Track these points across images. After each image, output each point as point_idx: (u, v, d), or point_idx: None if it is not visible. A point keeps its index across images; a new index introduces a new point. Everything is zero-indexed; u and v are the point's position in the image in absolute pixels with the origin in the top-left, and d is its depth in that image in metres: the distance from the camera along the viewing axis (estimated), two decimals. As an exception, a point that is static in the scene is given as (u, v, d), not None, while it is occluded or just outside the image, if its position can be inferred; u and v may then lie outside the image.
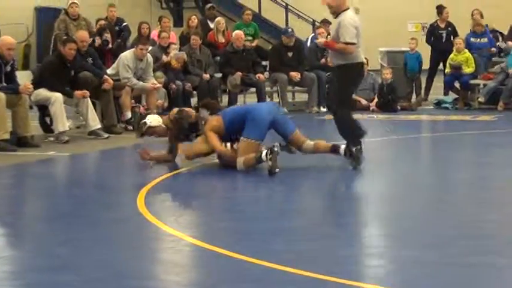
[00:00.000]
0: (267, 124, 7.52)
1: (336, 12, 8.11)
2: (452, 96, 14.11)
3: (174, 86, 12.03)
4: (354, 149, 7.57)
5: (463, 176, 7.44)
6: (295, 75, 13.13)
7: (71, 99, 10.17)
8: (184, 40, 13.85)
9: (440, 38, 14.78)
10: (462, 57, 13.68)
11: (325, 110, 13.15)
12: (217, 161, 7.81)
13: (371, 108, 13.35)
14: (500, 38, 14.66)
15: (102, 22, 12.69)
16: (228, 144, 7.77)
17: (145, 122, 7.95)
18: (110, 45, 12.07)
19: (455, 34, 14.74)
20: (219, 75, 13.33)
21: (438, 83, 14.85)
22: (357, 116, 12.63)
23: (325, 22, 14.36)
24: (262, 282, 4.11)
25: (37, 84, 9.96)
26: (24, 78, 10.43)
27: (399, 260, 4.51)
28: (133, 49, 11.49)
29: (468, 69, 13.63)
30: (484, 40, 14.10)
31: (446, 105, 13.72)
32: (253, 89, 13.30)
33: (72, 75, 10.29)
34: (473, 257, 4.47)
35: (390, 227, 5.46)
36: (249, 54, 13.43)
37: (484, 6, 15.48)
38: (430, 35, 15.04)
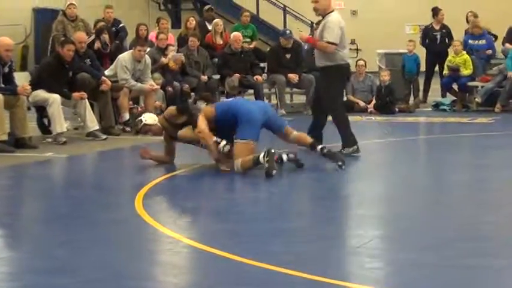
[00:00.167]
0: (260, 124, 7.56)
1: (322, 14, 8.29)
2: (450, 98, 14.13)
3: (170, 89, 12.02)
4: (343, 150, 7.80)
5: (460, 178, 7.44)
6: (293, 77, 13.13)
7: (68, 100, 10.17)
8: (182, 42, 13.85)
9: (434, 40, 14.81)
10: (460, 59, 13.70)
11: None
12: (215, 162, 7.81)
13: (369, 110, 13.36)
14: (493, 40, 14.67)
15: (102, 23, 12.68)
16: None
17: (141, 120, 8.07)
18: (109, 50, 12.05)
19: (450, 36, 14.77)
20: (217, 76, 13.33)
21: (435, 85, 14.88)
22: (355, 117, 12.78)
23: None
24: (261, 284, 4.11)
25: (35, 85, 9.95)
26: (22, 79, 10.43)
27: (398, 262, 4.51)
28: (131, 50, 11.50)
29: (466, 71, 13.64)
30: (482, 42, 14.11)
31: (444, 107, 13.73)
32: (251, 91, 13.30)
33: (70, 76, 10.29)
34: (471, 259, 4.47)
35: (388, 228, 5.46)
36: (247, 56, 13.43)
37: (479, 8, 15.49)
38: (424, 37, 15.07)
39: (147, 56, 11.52)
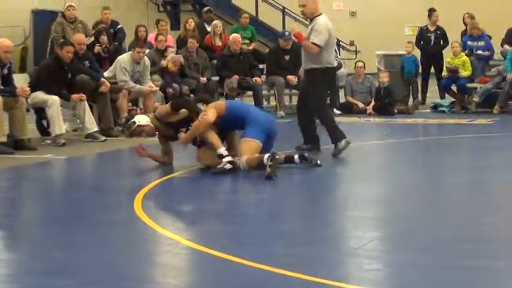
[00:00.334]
0: (266, 129, 7.63)
1: (310, 18, 8.41)
2: (449, 99, 14.14)
3: (171, 90, 12.03)
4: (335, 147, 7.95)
5: (459, 179, 7.44)
6: (292, 78, 13.13)
7: (68, 102, 10.17)
8: (181, 43, 13.84)
9: (428, 41, 14.82)
10: (459, 61, 13.70)
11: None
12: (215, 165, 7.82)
13: (368, 112, 13.36)
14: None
15: (102, 26, 12.68)
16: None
17: (134, 121, 8.01)
18: (108, 53, 12.06)
19: (445, 38, 14.78)
20: (216, 78, 13.33)
21: (433, 86, 14.89)
22: (354, 119, 12.78)
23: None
24: (260, 286, 4.11)
25: (34, 87, 9.95)
26: (21, 81, 10.43)
27: (396, 264, 4.51)
28: (130, 52, 11.51)
29: (465, 73, 13.64)
30: (481, 43, 14.11)
31: (443, 108, 13.73)
32: (250, 92, 13.31)
33: (69, 78, 10.29)
34: (470, 260, 4.47)
35: (387, 230, 5.46)
36: (246, 58, 13.43)
37: (475, 10, 15.50)
38: (419, 38, 15.07)
39: (146, 57, 11.52)
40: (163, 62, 12.31)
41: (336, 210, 6.18)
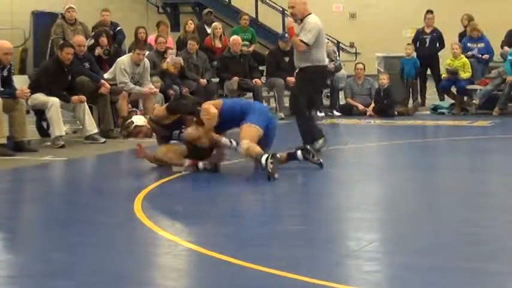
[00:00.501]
0: (266, 120, 7.59)
1: (300, 18, 8.56)
2: (448, 101, 14.14)
3: (172, 92, 12.03)
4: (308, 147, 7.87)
5: (459, 181, 7.44)
6: (292, 80, 13.11)
7: (68, 103, 10.18)
8: (181, 45, 13.86)
9: (424, 43, 14.82)
10: (459, 63, 13.70)
11: (322, 114, 13.20)
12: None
13: (368, 114, 13.38)
14: None
15: (105, 28, 12.69)
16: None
17: (132, 121, 8.02)
18: (108, 56, 12.07)
19: (441, 40, 14.77)
20: (216, 80, 13.35)
21: (432, 88, 14.89)
22: (354, 121, 12.79)
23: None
24: (260, 287, 4.11)
25: (34, 88, 9.95)
26: (21, 82, 10.42)
27: (396, 266, 4.51)
28: (130, 54, 11.52)
29: (465, 75, 13.65)
30: (481, 45, 14.11)
31: (443, 110, 13.74)
32: (250, 94, 13.32)
33: (69, 79, 10.30)
34: (470, 263, 4.47)
35: (387, 232, 5.46)
36: (246, 59, 13.45)
37: (473, 11, 15.50)
38: (416, 40, 15.07)
39: (146, 59, 11.53)
40: (164, 65, 12.32)
41: (336, 212, 6.18)
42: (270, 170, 7.06)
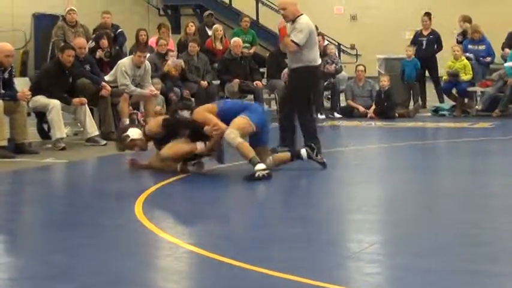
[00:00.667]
0: (262, 119, 7.62)
1: (292, 19, 8.59)
2: (449, 103, 14.14)
3: (173, 96, 12.03)
4: (312, 144, 7.84)
5: (460, 183, 7.44)
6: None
7: (68, 106, 10.18)
8: (182, 47, 13.86)
9: (420, 45, 14.83)
10: (460, 65, 13.70)
11: (322, 116, 13.21)
12: (215, 167, 7.80)
13: (369, 116, 13.38)
14: None
15: (106, 30, 12.70)
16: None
17: (127, 135, 7.97)
18: (109, 58, 12.08)
19: (439, 42, 14.76)
20: (217, 82, 13.35)
21: (433, 90, 14.89)
22: (354, 123, 12.79)
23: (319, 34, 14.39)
24: (260, 290, 4.12)
25: (35, 91, 9.96)
26: (22, 85, 10.43)
27: (397, 267, 4.51)
28: (131, 56, 11.52)
29: (466, 77, 13.64)
30: (482, 47, 14.11)
31: (444, 112, 13.74)
32: (251, 96, 13.32)
33: (70, 82, 10.30)
34: (471, 264, 4.47)
35: (388, 234, 5.46)
36: (246, 61, 13.45)
37: (473, 13, 15.50)
38: (413, 42, 15.07)
39: (147, 61, 11.53)
40: (165, 67, 12.32)
41: (337, 214, 6.18)
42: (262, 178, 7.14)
